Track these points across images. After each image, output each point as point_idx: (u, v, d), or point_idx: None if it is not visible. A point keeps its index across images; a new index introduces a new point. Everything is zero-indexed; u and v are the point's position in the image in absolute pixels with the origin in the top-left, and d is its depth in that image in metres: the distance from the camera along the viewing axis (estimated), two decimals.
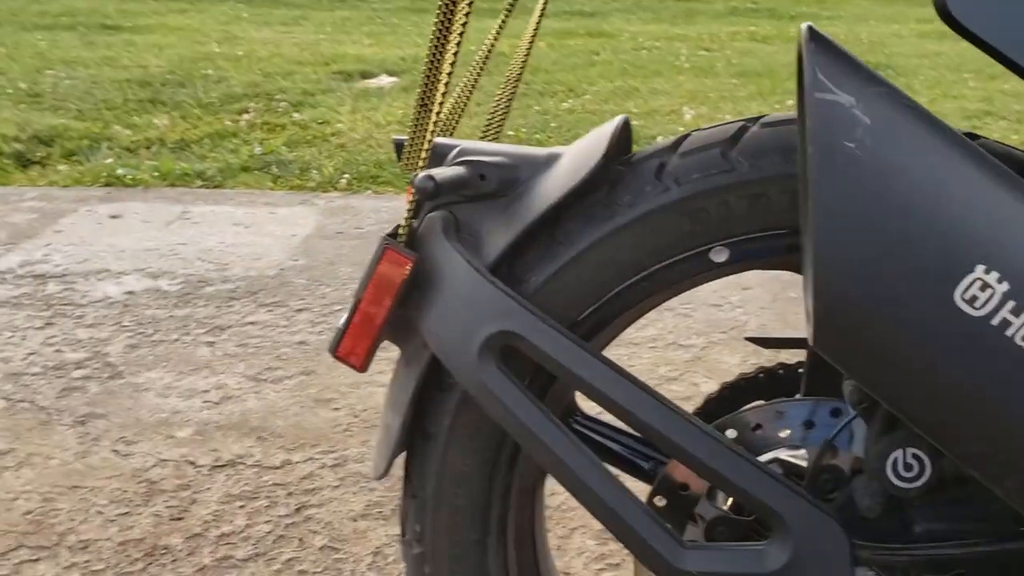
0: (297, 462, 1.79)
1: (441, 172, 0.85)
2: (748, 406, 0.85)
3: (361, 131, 3.94)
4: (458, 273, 0.86)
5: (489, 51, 1.01)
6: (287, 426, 1.91)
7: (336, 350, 0.90)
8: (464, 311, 0.85)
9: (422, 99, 0.92)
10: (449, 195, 0.87)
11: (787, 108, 4.42)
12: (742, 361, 2.13)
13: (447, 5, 0.87)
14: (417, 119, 0.93)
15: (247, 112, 4.21)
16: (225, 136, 3.88)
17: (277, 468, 1.77)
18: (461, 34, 0.85)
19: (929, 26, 7.07)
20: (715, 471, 0.81)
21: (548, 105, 4.45)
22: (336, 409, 1.97)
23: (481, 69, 1.02)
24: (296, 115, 4.16)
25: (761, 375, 1.07)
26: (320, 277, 2.62)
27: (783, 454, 0.85)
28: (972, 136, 0.81)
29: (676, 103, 4.50)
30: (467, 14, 0.85)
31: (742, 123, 0.87)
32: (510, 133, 3.93)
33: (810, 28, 0.64)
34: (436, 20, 0.87)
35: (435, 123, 0.87)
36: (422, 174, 0.83)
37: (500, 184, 0.90)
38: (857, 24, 7.26)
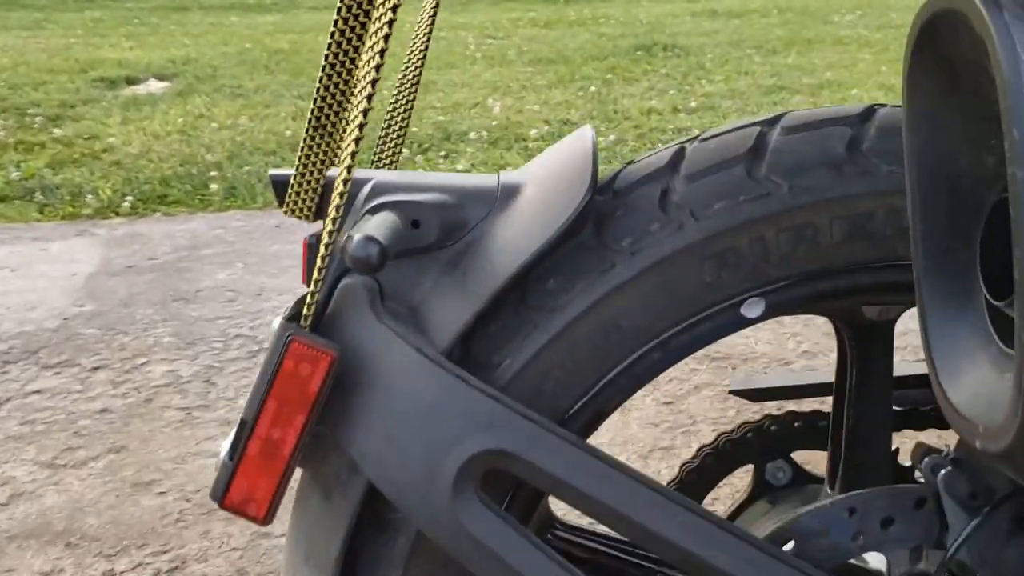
0: (123, 571, 1.43)
1: (381, 229, 0.58)
2: (809, 507, 0.65)
3: (138, 145, 3.45)
4: (404, 367, 0.59)
5: (381, 58, 0.75)
6: (102, 524, 1.53)
7: (224, 497, 0.61)
8: (423, 425, 0.59)
9: (317, 123, 0.65)
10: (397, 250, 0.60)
11: (590, 94, 4.33)
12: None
13: (351, 15, 0.61)
14: (311, 150, 0.65)
15: None
16: None
17: None
18: (386, 40, 0.59)
19: (699, 5, 7.30)
20: None
21: None
22: (161, 494, 1.61)
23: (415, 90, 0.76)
24: (56, 131, 3.60)
25: (749, 433, 0.87)
26: (114, 324, 2.21)
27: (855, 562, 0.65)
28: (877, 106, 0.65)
29: (479, 95, 4.30)
30: (391, 23, 0.59)
31: (758, 127, 0.65)
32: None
33: None
34: (336, 23, 0.61)
35: (353, 156, 0.60)
36: (359, 236, 0.56)
37: (442, 232, 0.64)
38: (631, 5, 7.37)
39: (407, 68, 0.85)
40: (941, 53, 0.48)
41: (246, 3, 7.32)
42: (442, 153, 3.44)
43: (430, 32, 0.83)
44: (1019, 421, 0.42)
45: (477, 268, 0.63)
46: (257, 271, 2.50)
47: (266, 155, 3.37)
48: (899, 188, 0.59)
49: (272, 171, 0.69)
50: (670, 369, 0.78)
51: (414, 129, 3.71)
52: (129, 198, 2.94)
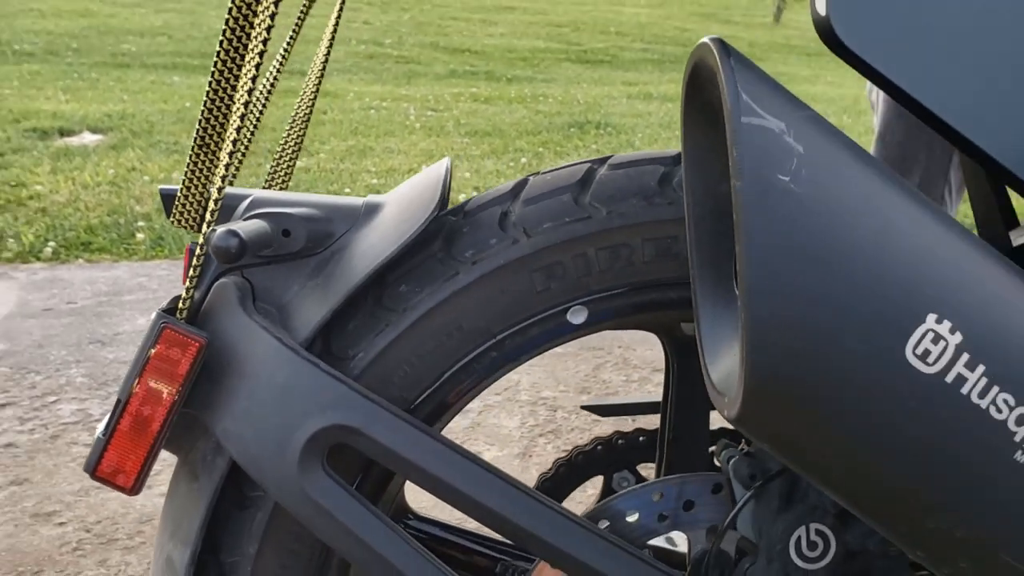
0: None
1: (244, 226, 0.66)
2: (622, 492, 0.73)
3: (66, 193, 3.48)
4: (265, 355, 0.67)
5: (267, 98, 0.84)
6: (0, 552, 1.55)
7: (96, 467, 0.68)
8: (277, 403, 0.66)
9: (202, 144, 0.73)
10: (248, 256, 0.68)
11: (521, 165, 4.49)
12: (521, 424, 2.04)
13: (231, 48, 0.70)
14: (195, 167, 0.74)
15: None
16: None
17: None
18: (257, 68, 0.68)
19: (635, 88, 7.60)
20: (592, 569, 0.68)
21: None
22: (61, 524, 1.63)
23: (259, 116, 0.84)
24: None
25: (599, 447, 0.96)
26: (26, 363, 2.22)
27: (658, 541, 0.74)
28: None
29: (413, 161, 4.43)
30: (260, 56, 0.68)
31: (589, 164, 0.76)
32: None
33: (719, 41, 0.55)
34: (218, 62, 0.70)
35: (227, 169, 0.69)
36: (221, 230, 0.64)
37: (309, 241, 0.73)
38: (571, 86, 7.64)
39: (301, 99, 0.94)
40: (704, 99, 0.60)
41: (189, 64, 7.40)
42: None
43: (324, 65, 0.92)
44: (743, 390, 0.52)
45: (338, 272, 0.72)
46: None
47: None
48: None
49: (161, 187, 0.78)
50: None
51: (347, 190, 3.80)
52: (52, 244, 2.96)
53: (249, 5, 0.70)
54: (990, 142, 0.61)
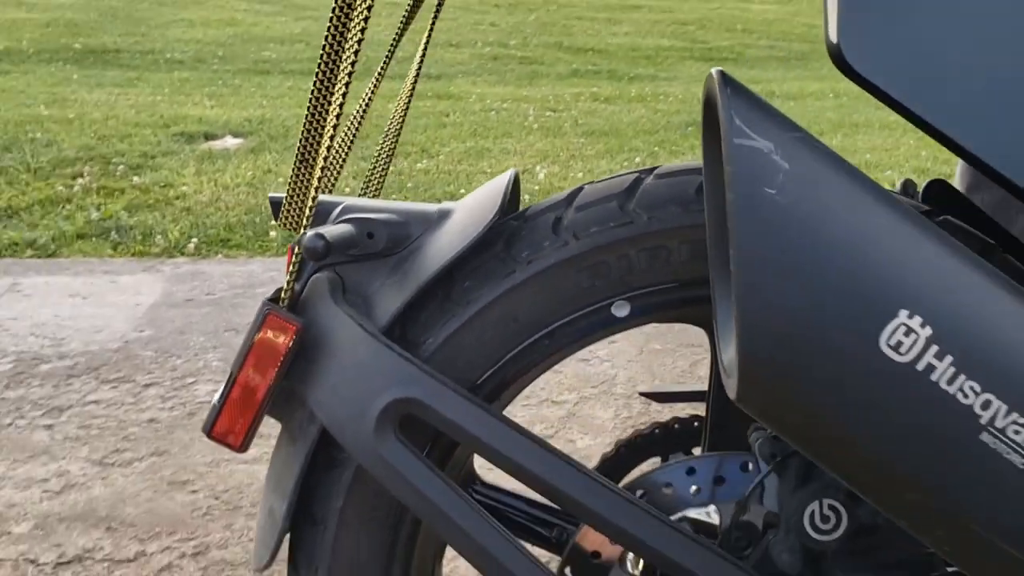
0: (153, 552, 1.64)
1: (331, 230, 0.79)
2: (659, 466, 0.82)
3: (208, 193, 3.77)
4: (349, 338, 0.80)
5: (365, 109, 0.97)
6: (139, 513, 1.75)
7: (212, 429, 0.82)
8: (358, 379, 0.78)
9: (303, 155, 0.86)
10: (337, 255, 0.81)
11: (635, 164, 4.56)
12: (615, 415, 2.13)
13: (330, 61, 0.82)
14: (297, 176, 0.87)
15: (81, 176, 3.96)
16: (58, 202, 3.63)
17: (131, 560, 1.62)
18: (347, 86, 0.80)
19: (758, 86, 7.51)
20: (628, 533, 0.77)
21: (403, 166, 4.42)
22: (194, 492, 1.83)
23: (358, 127, 0.97)
24: (136, 178, 3.95)
25: (657, 431, 1.05)
26: (169, 348, 2.46)
27: (693, 512, 0.82)
28: (907, 186, 0.83)
29: (528, 162, 4.56)
30: (351, 73, 0.80)
31: (638, 174, 0.85)
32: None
33: (721, 73, 0.63)
34: (317, 76, 0.82)
35: (320, 179, 0.81)
36: (311, 233, 0.77)
37: (389, 242, 0.84)
38: (692, 85, 7.62)
39: (392, 118, 1.07)
40: (714, 121, 0.68)
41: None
42: None
43: (419, 71, 1.03)
44: (738, 372, 0.61)
45: (413, 270, 0.83)
46: None
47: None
48: None
49: (271, 194, 0.91)
50: None
51: (461, 191, 3.96)
52: (194, 240, 3.23)
53: (347, 12, 0.79)
54: (1004, 163, 0.67)
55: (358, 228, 0.83)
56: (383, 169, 1.05)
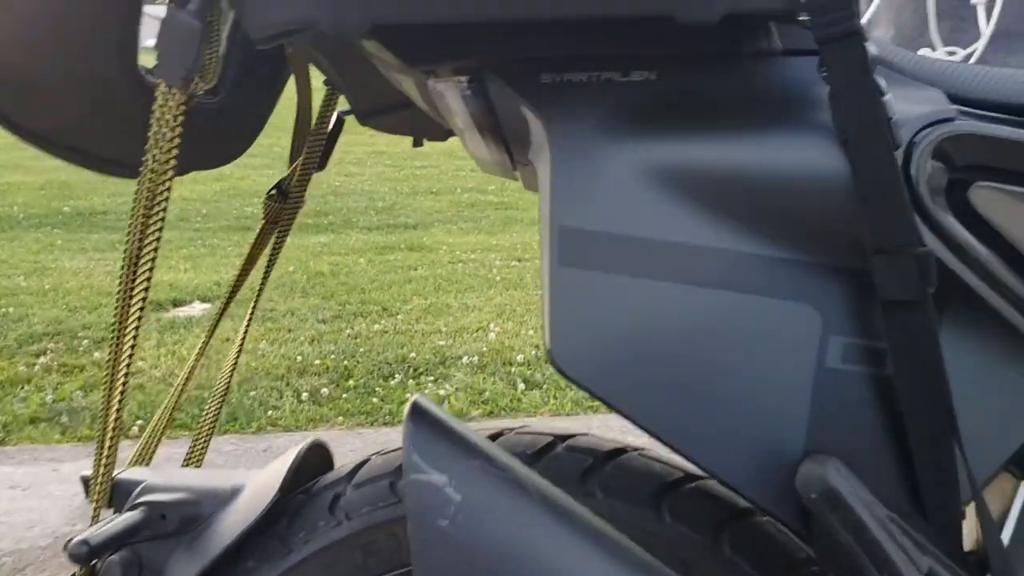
0: None
1: (99, 532, 0.85)
2: None
3: (163, 368, 3.85)
4: None
5: (188, 375, 1.05)
6: None
7: None
8: None
9: (103, 432, 0.93)
10: (118, 544, 0.87)
11: None
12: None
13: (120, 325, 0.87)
14: (100, 453, 0.93)
15: (45, 354, 4.05)
16: (17, 383, 3.70)
17: None
18: (132, 348, 0.87)
19: None
20: None
21: (360, 327, 4.51)
22: None
23: (179, 397, 1.04)
24: (97, 354, 4.04)
25: None
26: None
27: None
28: None
29: (485, 319, 4.66)
30: (133, 347, 0.87)
31: None
32: (316, 362, 3.94)
33: (414, 404, 0.70)
34: (112, 345, 0.87)
35: (107, 457, 0.87)
36: (76, 539, 0.83)
37: (181, 523, 0.90)
38: None
39: (214, 393, 1.15)
40: None
41: (303, 223, 7.96)
42: (431, 378, 3.76)
43: (233, 370, 1.11)
44: None
45: (201, 551, 0.89)
46: None
47: (275, 380, 3.73)
48: None
49: (82, 473, 0.97)
50: None
51: (412, 354, 4.04)
52: (140, 421, 3.29)
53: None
54: (717, 467, 0.73)
55: (148, 513, 0.89)
56: (206, 437, 1.12)
